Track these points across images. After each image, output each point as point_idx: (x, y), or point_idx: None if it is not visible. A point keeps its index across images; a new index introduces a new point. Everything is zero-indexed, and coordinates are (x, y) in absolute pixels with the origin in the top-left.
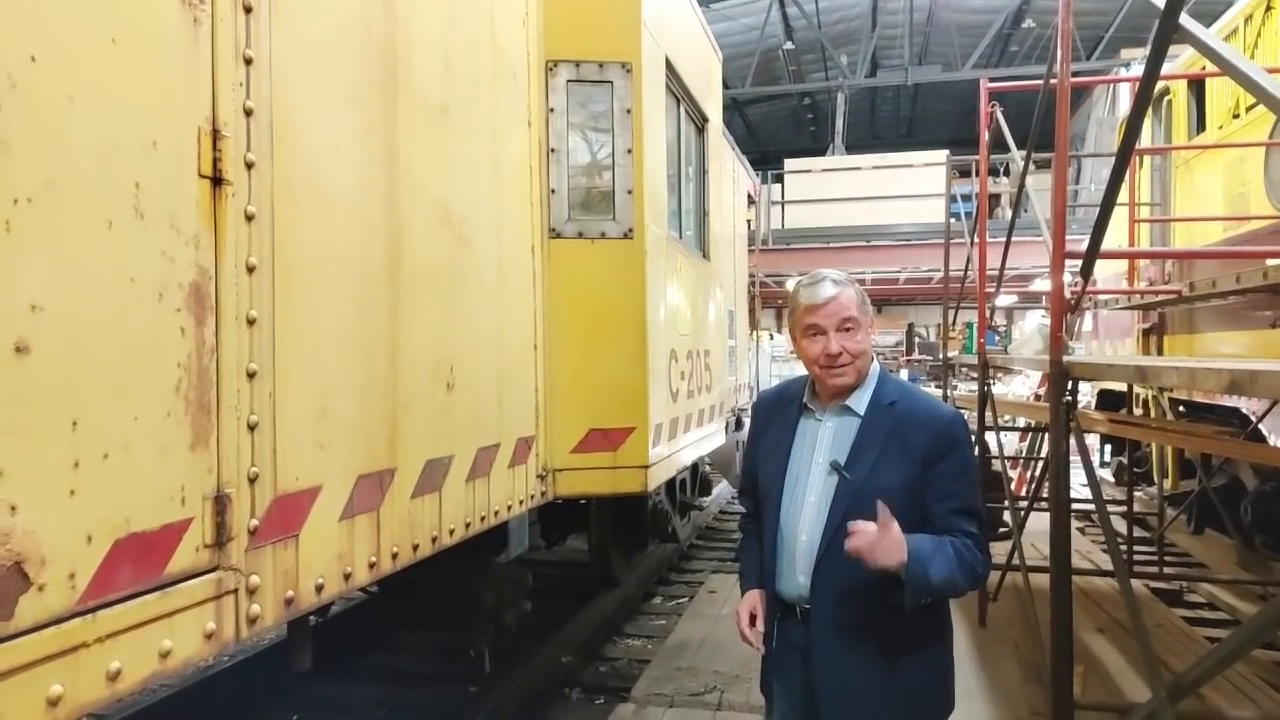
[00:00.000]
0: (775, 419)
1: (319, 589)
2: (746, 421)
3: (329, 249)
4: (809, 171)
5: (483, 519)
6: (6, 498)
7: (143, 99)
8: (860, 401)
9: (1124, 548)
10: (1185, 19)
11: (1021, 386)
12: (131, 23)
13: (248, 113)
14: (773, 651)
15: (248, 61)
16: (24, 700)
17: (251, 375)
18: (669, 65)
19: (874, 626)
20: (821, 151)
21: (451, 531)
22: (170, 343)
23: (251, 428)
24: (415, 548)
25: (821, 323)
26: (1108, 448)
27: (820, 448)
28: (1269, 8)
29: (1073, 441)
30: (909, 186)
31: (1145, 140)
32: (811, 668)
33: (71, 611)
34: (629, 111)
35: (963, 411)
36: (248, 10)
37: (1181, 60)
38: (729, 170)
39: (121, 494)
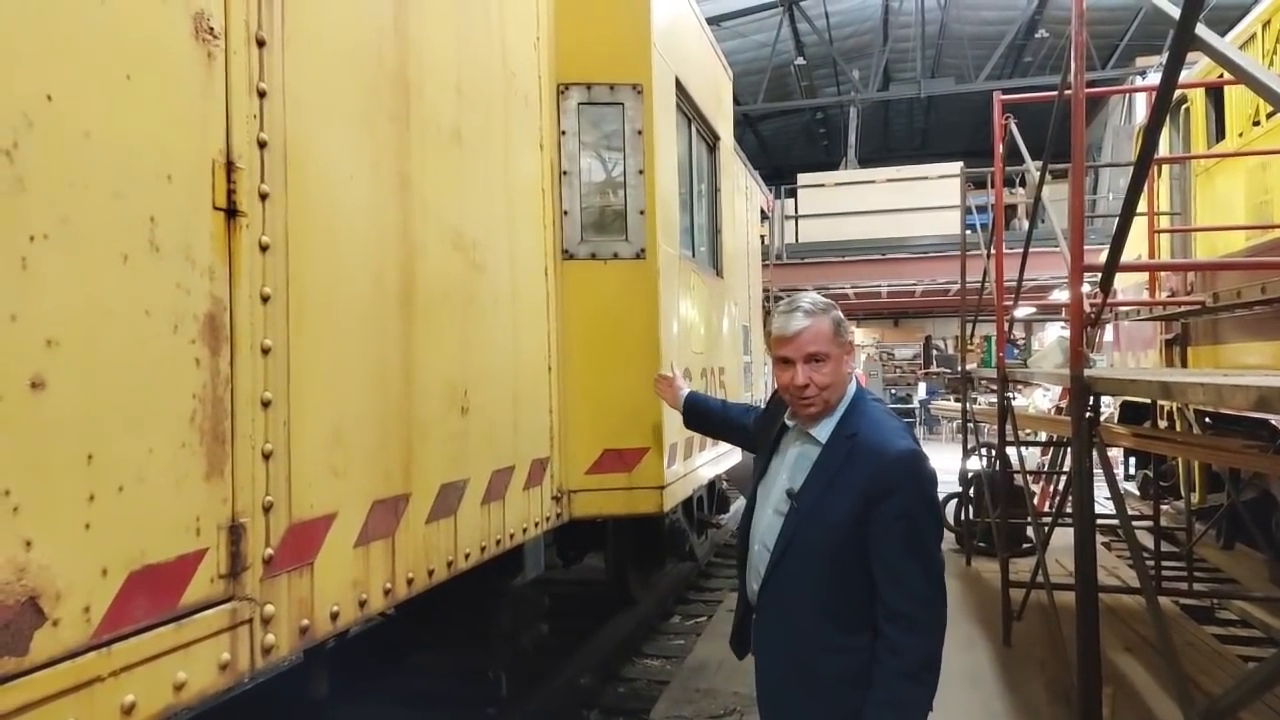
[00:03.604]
0: (770, 424)
1: (334, 617)
2: None
3: (342, 277)
4: (822, 186)
5: (498, 542)
6: (22, 533)
7: (157, 133)
8: (824, 430)
9: (1151, 564)
10: (1201, 29)
11: (1042, 399)
12: (146, 59)
13: (261, 144)
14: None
15: (261, 94)
16: None
17: (266, 404)
18: (679, 85)
19: (801, 645)
20: (835, 165)
21: (467, 556)
22: (185, 374)
23: (266, 456)
24: (430, 573)
25: (790, 355)
26: (1132, 460)
27: (784, 466)
28: None
29: (1096, 455)
30: (924, 199)
31: (1163, 149)
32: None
33: (86, 645)
34: (640, 133)
35: (917, 449)
36: (261, 44)
37: (1199, 68)
38: (741, 186)
39: (136, 526)
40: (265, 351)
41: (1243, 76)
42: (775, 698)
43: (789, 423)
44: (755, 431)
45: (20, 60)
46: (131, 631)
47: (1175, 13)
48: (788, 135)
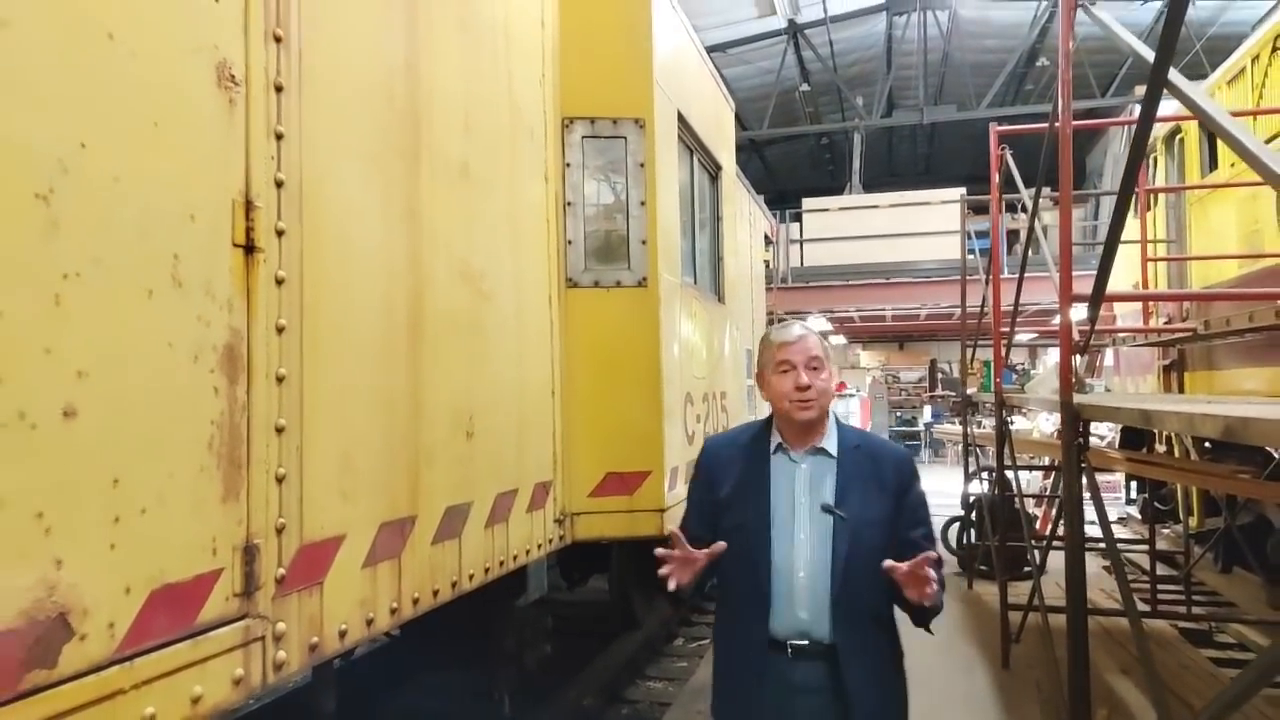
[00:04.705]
0: (736, 463)
1: (342, 635)
2: None
3: (354, 307)
4: (827, 210)
5: (502, 564)
6: (53, 552)
7: (181, 176)
8: (831, 444)
9: (1147, 586)
10: (1173, 74)
11: (1045, 423)
12: (172, 107)
13: (278, 184)
14: (762, 690)
15: (278, 136)
16: None
17: (280, 430)
18: (681, 118)
19: (880, 650)
20: (839, 190)
21: (471, 576)
22: (204, 402)
23: (279, 480)
24: (435, 593)
25: (792, 358)
26: (1133, 484)
27: (800, 488)
28: (1276, 48)
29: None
30: (927, 223)
31: (1160, 178)
32: (844, 699)
33: (110, 659)
34: (642, 165)
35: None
36: (279, 89)
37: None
38: (745, 212)
39: (157, 547)
40: (280, 380)
41: (1208, 121)
42: (868, 703)
43: (784, 447)
44: (710, 483)
45: (57, 111)
46: (152, 647)
47: (1151, 56)
48: (793, 160)
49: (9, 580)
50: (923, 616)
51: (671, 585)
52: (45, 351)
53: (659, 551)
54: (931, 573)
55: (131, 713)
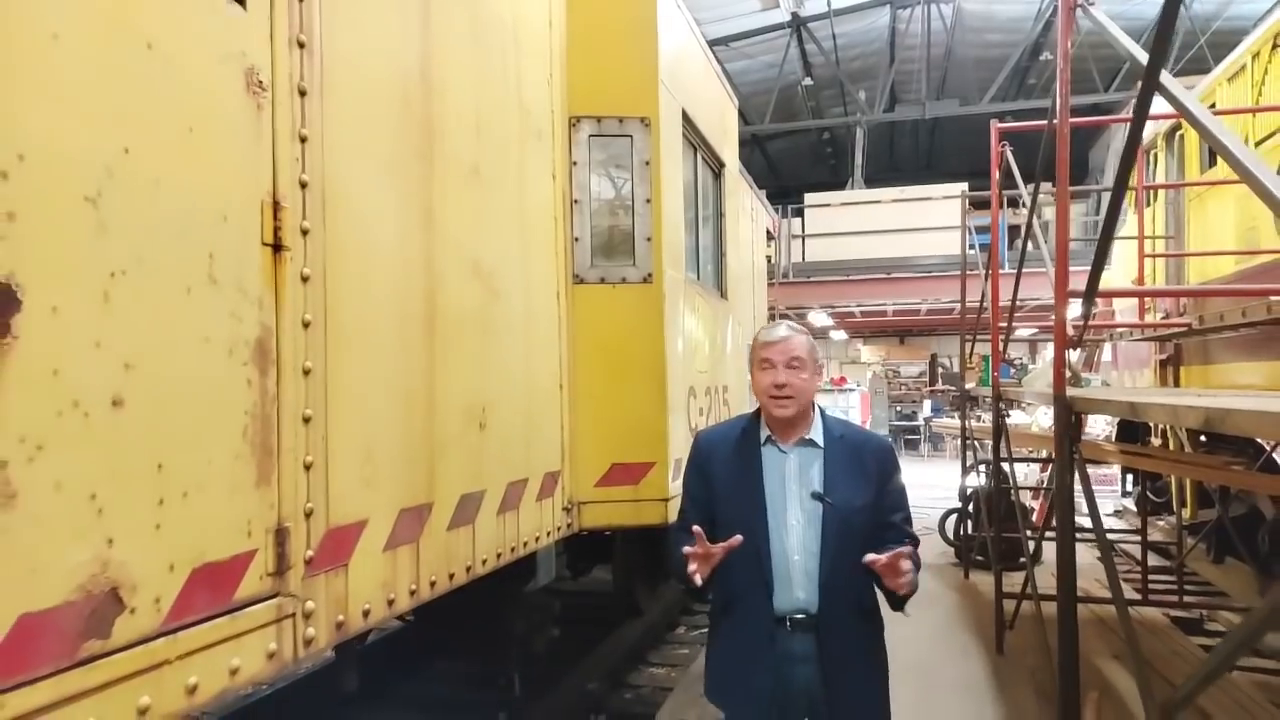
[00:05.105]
0: (728, 456)
1: (366, 614)
2: None
3: (374, 304)
4: (828, 205)
5: (513, 550)
6: (105, 531)
7: (215, 178)
8: (818, 435)
9: (1138, 576)
10: (1165, 77)
11: (1045, 417)
12: (205, 113)
13: (303, 185)
14: (766, 662)
15: (303, 139)
16: (119, 709)
17: (307, 420)
18: (686, 117)
19: (860, 623)
20: (841, 185)
21: (484, 561)
22: (239, 393)
23: (307, 467)
24: (451, 576)
25: (773, 357)
26: (1129, 477)
27: (790, 476)
28: (1276, 45)
29: (1092, 471)
30: (928, 219)
31: (1160, 175)
32: (821, 669)
33: (157, 632)
34: (647, 163)
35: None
36: (302, 94)
37: (1195, 93)
38: (747, 208)
39: (198, 528)
40: (306, 373)
41: (1197, 126)
42: (844, 674)
43: (774, 439)
44: (705, 473)
45: (103, 118)
46: (194, 621)
47: (1144, 59)
48: (795, 155)
49: (68, 556)
50: (898, 601)
51: (699, 581)
52: (95, 345)
53: (687, 550)
54: (906, 564)
55: (176, 682)
